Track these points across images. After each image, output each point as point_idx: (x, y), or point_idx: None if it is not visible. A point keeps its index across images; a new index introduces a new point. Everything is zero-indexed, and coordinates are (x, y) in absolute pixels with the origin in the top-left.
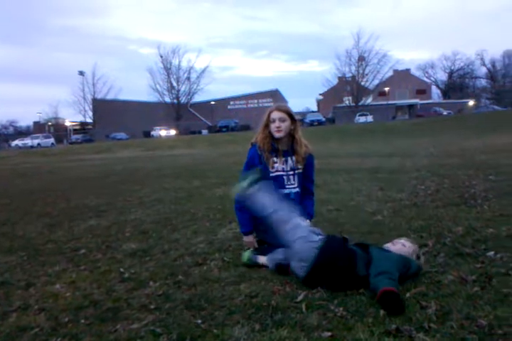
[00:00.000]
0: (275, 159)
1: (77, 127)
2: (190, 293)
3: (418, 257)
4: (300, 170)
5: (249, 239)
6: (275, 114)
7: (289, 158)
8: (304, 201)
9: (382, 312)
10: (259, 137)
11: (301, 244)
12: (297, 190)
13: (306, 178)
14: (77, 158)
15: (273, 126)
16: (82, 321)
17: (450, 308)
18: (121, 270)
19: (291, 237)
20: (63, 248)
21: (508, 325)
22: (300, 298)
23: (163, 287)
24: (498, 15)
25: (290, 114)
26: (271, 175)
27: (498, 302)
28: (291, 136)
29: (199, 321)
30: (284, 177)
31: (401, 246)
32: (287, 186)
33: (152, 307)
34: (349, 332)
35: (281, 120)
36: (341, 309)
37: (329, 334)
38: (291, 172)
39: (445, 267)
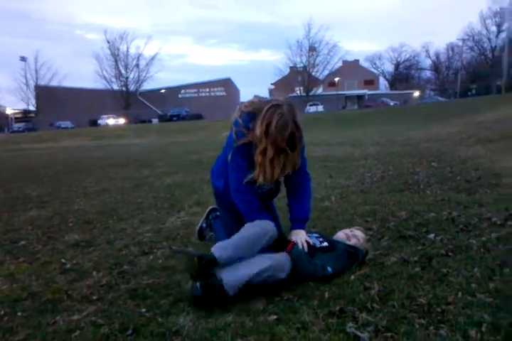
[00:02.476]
0: None
1: (20, 115)
2: (135, 282)
3: (367, 253)
4: None
5: None
6: None
7: None
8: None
9: (327, 294)
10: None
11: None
12: None
13: None
14: (19, 147)
15: None
16: (19, 314)
17: (392, 288)
18: (63, 261)
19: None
20: (1, 240)
21: (446, 303)
22: None
23: (106, 277)
24: (443, 9)
25: None
26: None
27: (437, 281)
28: None
29: (143, 310)
30: None
31: (356, 240)
32: None
33: (94, 297)
34: (295, 314)
35: None
36: (287, 293)
37: (275, 317)
38: None
39: (388, 249)
